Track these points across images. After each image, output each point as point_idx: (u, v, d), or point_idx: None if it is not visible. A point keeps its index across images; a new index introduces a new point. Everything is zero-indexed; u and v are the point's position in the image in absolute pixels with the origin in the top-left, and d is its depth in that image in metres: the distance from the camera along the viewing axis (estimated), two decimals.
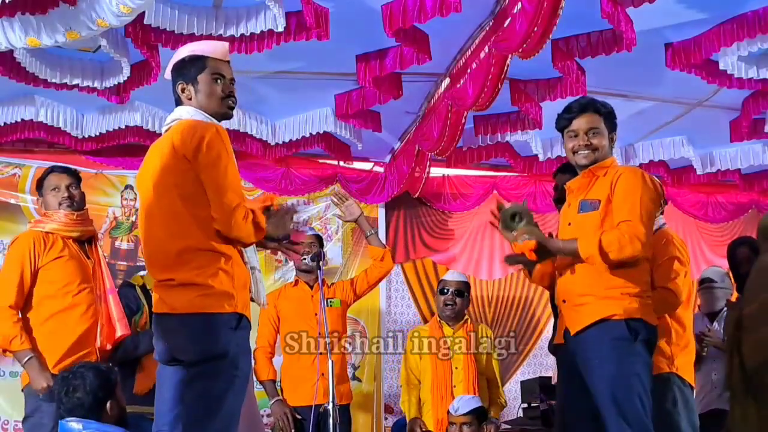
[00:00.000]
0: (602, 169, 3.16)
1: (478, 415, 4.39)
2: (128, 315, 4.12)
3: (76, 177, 3.85)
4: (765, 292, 3.62)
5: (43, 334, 3.57)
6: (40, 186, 3.84)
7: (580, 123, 3.19)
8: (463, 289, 4.82)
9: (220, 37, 4.38)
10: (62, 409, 3.22)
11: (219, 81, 2.78)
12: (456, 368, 4.63)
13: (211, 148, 2.60)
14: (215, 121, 2.76)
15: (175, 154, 2.63)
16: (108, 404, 3.24)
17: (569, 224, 3.19)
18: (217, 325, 2.57)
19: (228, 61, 2.83)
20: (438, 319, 4.87)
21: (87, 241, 3.82)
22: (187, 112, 2.75)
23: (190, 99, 2.77)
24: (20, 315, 3.54)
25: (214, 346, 2.57)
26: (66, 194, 3.75)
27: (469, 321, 4.83)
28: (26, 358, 3.48)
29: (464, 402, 4.36)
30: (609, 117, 3.22)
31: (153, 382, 4.12)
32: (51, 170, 3.86)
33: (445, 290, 4.81)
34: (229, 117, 2.85)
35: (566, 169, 3.74)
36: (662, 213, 3.84)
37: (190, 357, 2.58)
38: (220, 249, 2.62)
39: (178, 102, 2.81)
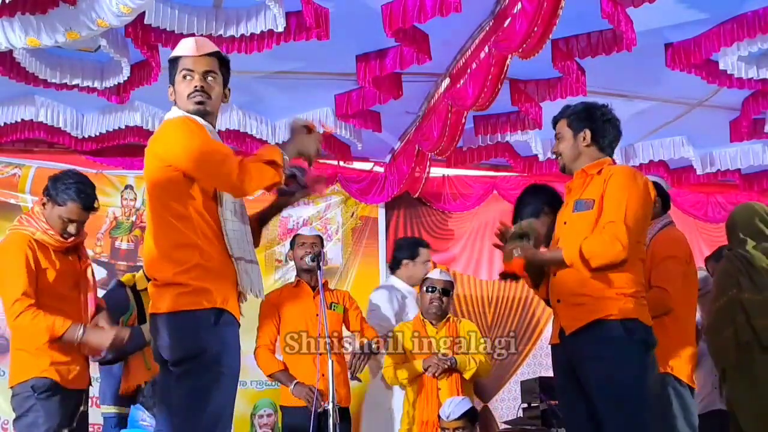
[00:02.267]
0: (596, 168, 3.18)
1: (471, 418, 4.35)
2: (117, 314, 4.11)
3: (90, 213, 3.60)
4: (729, 290, 3.66)
5: (35, 339, 3.45)
6: (55, 191, 3.51)
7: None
8: (449, 288, 4.81)
9: (220, 38, 4.38)
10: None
11: (188, 78, 2.73)
12: None
13: (175, 135, 2.62)
14: (197, 118, 2.71)
15: (154, 156, 2.66)
16: None
17: (564, 223, 3.20)
18: (194, 322, 2.57)
19: (201, 55, 2.73)
20: (422, 318, 4.86)
21: (73, 248, 3.65)
22: (171, 113, 2.78)
23: (175, 102, 2.79)
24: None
25: (193, 343, 2.56)
26: (74, 231, 3.52)
27: (452, 320, 4.81)
28: (79, 332, 3.35)
29: (455, 406, 4.30)
30: (575, 117, 3.25)
31: (137, 383, 4.21)
32: (79, 196, 3.48)
33: (432, 289, 4.79)
34: (201, 113, 2.73)
35: (525, 201, 3.77)
36: (668, 210, 3.84)
37: (173, 356, 2.59)
38: (198, 243, 2.60)
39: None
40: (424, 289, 4.86)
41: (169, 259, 2.60)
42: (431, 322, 4.78)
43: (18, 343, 3.53)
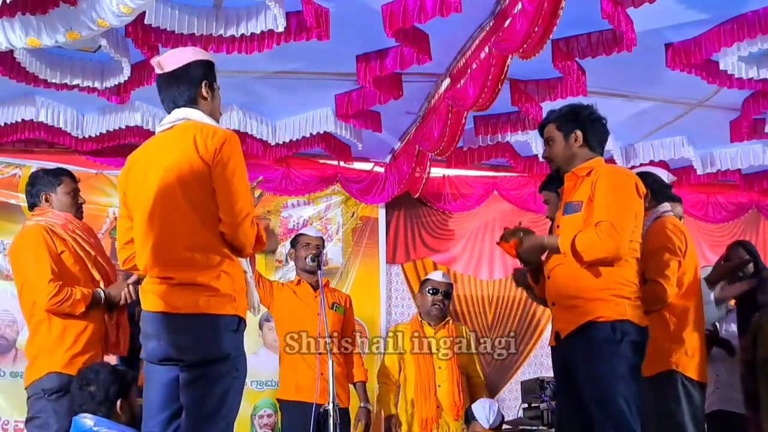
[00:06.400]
0: (585, 170, 3.19)
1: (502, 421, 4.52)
2: (130, 305, 4.18)
3: (78, 183, 3.96)
4: None
5: (57, 328, 3.57)
6: (44, 182, 3.82)
7: (543, 138, 3.34)
8: (450, 291, 4.90)
9: (220, 38, 4.39)
10: (75, 403, 3.31)
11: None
12: (439, 368, 4.66)
13: (235, 156, 2.67)
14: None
15: (197, 155, 2.62)
16: (119, 403, 3.29)
17: (558, 227, 3.22)
18: (220, 327, 2.58)
19: None
20: (419, 318, 4.89)
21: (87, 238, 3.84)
22: (197, 114, 2.75)
23: (206, 100, 2.80)
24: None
25: (217, 348, 2.57)
26: (82, 200, 3.89)
27: (450, 322, 4.86)
28: (100, 294, 3.65)
29: (496, 414, 4.49)
30: (562, 119, 3.28)
31: None
32: (62, 172, 3.89)
33: (435, 291, 4.82)
34: None
35: (548, 185, 3.84)
36: (667, 201, 3.80)
37: (192, 358, 2.57)
38: (223, 250, 2.62)
39: (188, 100, 2.78)
40: (426, 290, 4.90)
41: (194, 260, 2.59)
42: (429, 323, 4.81)
43: (35, 341, 3.61)
